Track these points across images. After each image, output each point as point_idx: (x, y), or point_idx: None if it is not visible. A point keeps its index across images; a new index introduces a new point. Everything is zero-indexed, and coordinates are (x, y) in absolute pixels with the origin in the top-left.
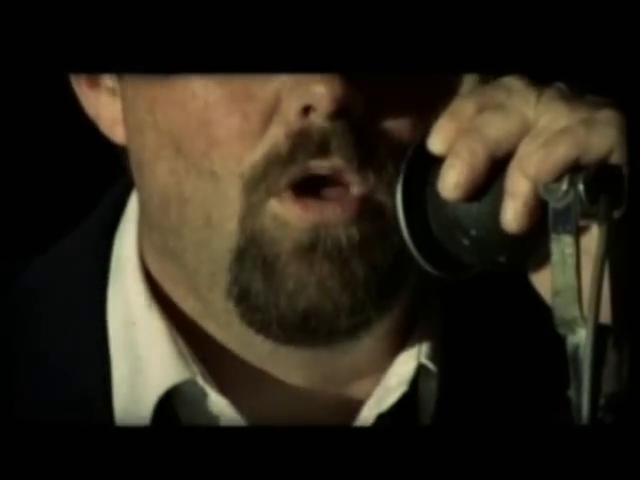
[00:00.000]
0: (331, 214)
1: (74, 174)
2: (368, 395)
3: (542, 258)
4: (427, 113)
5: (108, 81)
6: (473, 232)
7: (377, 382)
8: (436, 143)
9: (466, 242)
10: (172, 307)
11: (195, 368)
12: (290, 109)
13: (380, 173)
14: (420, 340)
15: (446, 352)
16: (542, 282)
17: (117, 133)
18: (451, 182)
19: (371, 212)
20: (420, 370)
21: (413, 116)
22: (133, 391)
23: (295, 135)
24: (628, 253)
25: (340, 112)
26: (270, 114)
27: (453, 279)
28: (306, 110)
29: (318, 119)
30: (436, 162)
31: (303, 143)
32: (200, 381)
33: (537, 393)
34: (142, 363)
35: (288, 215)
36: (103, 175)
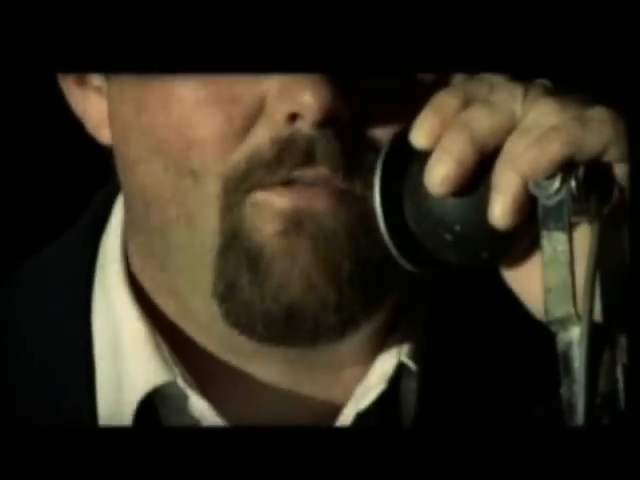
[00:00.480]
0: (316, 200)
1: (63, 176)
2: (351, 394)
3: (518, 255)
4: (414, 117)
5: (95, 80)
6: (457, 228)
7: (360, 378)
8: (419, 137)
9: (449, 238)
10: (155, 309)
11: (176, 370)
12: (276, 115)
13: (366, 180)
14: (402, 339)
15: (427, 352)
16: (517, 279)
17: (103, 133)
18: (438, 177)
19: (358, 208)
20: (402, 369)
21: (400, 122)
22: (116, 393)
23: (281, 141)
24: (624, 251)
25: (327, 120)
26: (254, 117)
27: (428, 275)
28: (293, 117)
29: (304, 126)
30: (416, 156)
31: (289, 150)
32: (180, 383)
33: (520, 394)
34: (124, 365)
35: (269, 200)
36: (93, 177)
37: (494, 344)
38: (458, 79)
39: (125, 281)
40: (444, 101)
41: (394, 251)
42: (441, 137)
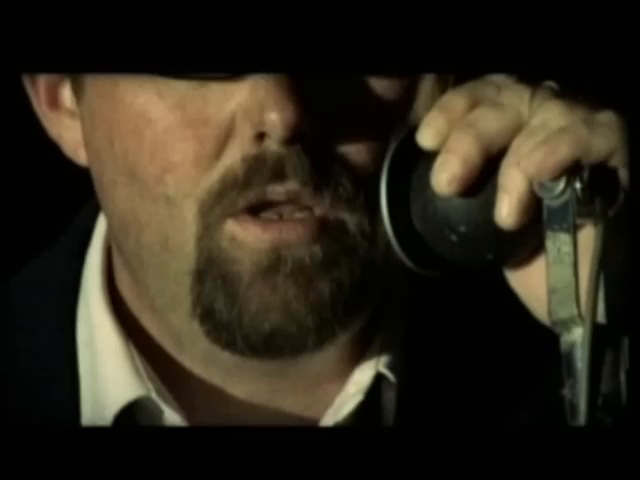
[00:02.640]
0: (292, 233)
1: (48, 189)
2: (330, 402)
3: (522, 256)
4: (384, 129)
5: (68, 102)
6: (462, 228)
7: (339, 389)
8: (427, 138)
9: (454, 238)
10: (135, 325)
11: (150, 385)
12: (245, 135)
13: (337, 192)
14: (380, 350)
15: (407, 362)
16: (521, 280)
17: (80, 155)
18: (446, 177)
19: (333, 230)
20: (381, 380)
21: (369, 134)
22: (95, 408)
23: (250, 160)
24: (627, 252)
25: (293, 138)
26: (225, 139)
27: (433, 275)
28: (261, 136)
29: (272, 144)
30: (422, 156)
31: (258, 168)
32: (154, 397)
33: (499, 400)
34: (101, 380)
35: (246, 236)
36: (78, 189)
37: (472, 352)
38: (426, 91)
39: (104, 295)
40: (451, 101)
41: (399, 251)
42: (448, 137)
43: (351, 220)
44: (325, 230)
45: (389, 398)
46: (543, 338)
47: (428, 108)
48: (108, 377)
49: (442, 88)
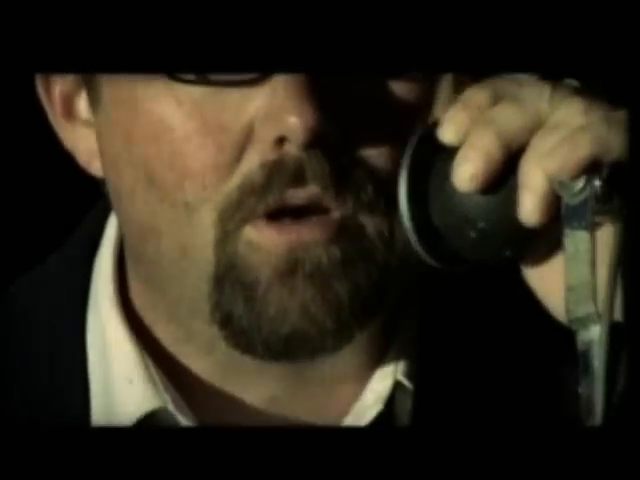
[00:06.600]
0: (309, 235)
1: (56, 192)
2: (347, 409)
3: (540, 253)
4: (403, 132)
5: (84, 112)
6: (481, 224)
7: (356, 396)
8: (448, 133)
9: (473, 235)
10: (150, 334)
11: (166, 396)
12: (264, 140)
13: (359, 197)
14: (398, 356)
15: (422, 369)
16: (538, 277)
17: (94, 166)
18: (466, 174)
19: (351, 232)
20: (397, 387)
21: (389, 137)
22: (109, 419)
23: (270, 165)
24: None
25: (314, 141)
26: (244, 144)
27: (450, 271)
28: (280, 140)
29: (292, 149)
30: (441, 152)
31: (278, 173)
32: (171, 409)
33: (517, 413)
34: (115, 392)
35: (263, 240)
36: (85, 192)
37: (486, 356)
38: (443, 93)
39: (117, 304)
40: (473, 97)
41: (418, 247)
42: (469, 133)
43: (370, 224)
44: (343, 232)
45: (404, 406)
46: (558, 339)
47: (446, 110)
48: (123, 389)
49: (460, 89)
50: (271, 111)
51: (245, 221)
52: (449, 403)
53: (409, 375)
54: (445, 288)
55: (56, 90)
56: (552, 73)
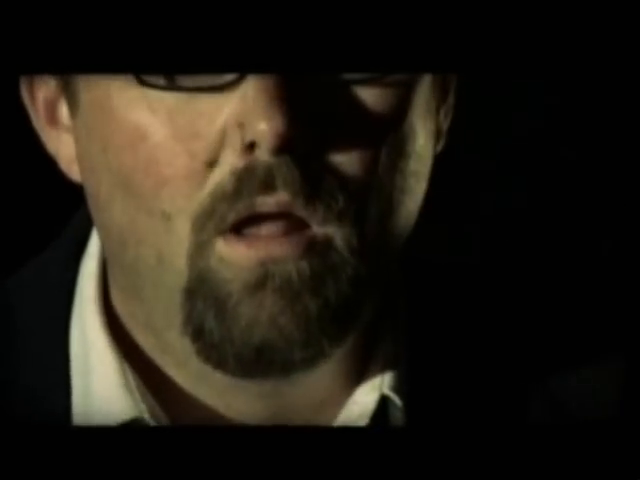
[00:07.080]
0: (278, 249)
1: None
2: (331, 424)
3: None
4: (377, 139)
5: (66, 118)
6: None
7: (339, 413)
8: None
9: None
10: (130, 343)
11: (143, 406)
12: (235, 146)
13: (329, 205)
14: (383, 367)
15: (411, 381)
16: None
17: (73, 171)
18: None
19: (321, 247)
20: (385, 400)
21: (361, 145)
22: (89, 424)
23: (240, 171)
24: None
25: (283, 147)
26: (216, 152)
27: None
28: (251, 146)
29: (262, 155)
30: None
31: (248, 179)
32: (147, 419)
33: (511, 421)
34: (95, 398)
35: (233, 255)
36: (71, 195)
37: (478, 365)
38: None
39: (99, 309)
40: None
41: None
42: None
43: (338, 235)
44: (312, 246)
45: (396, 416)
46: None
47: (423, 117)
48: (102, 396)
49: (439, 97)
50: (241, 117)
51: (217, 231)
52: (441, 413)
53: (397, 389)
54: (433, 297)
55: (40, 96)
56: (548, 75)
